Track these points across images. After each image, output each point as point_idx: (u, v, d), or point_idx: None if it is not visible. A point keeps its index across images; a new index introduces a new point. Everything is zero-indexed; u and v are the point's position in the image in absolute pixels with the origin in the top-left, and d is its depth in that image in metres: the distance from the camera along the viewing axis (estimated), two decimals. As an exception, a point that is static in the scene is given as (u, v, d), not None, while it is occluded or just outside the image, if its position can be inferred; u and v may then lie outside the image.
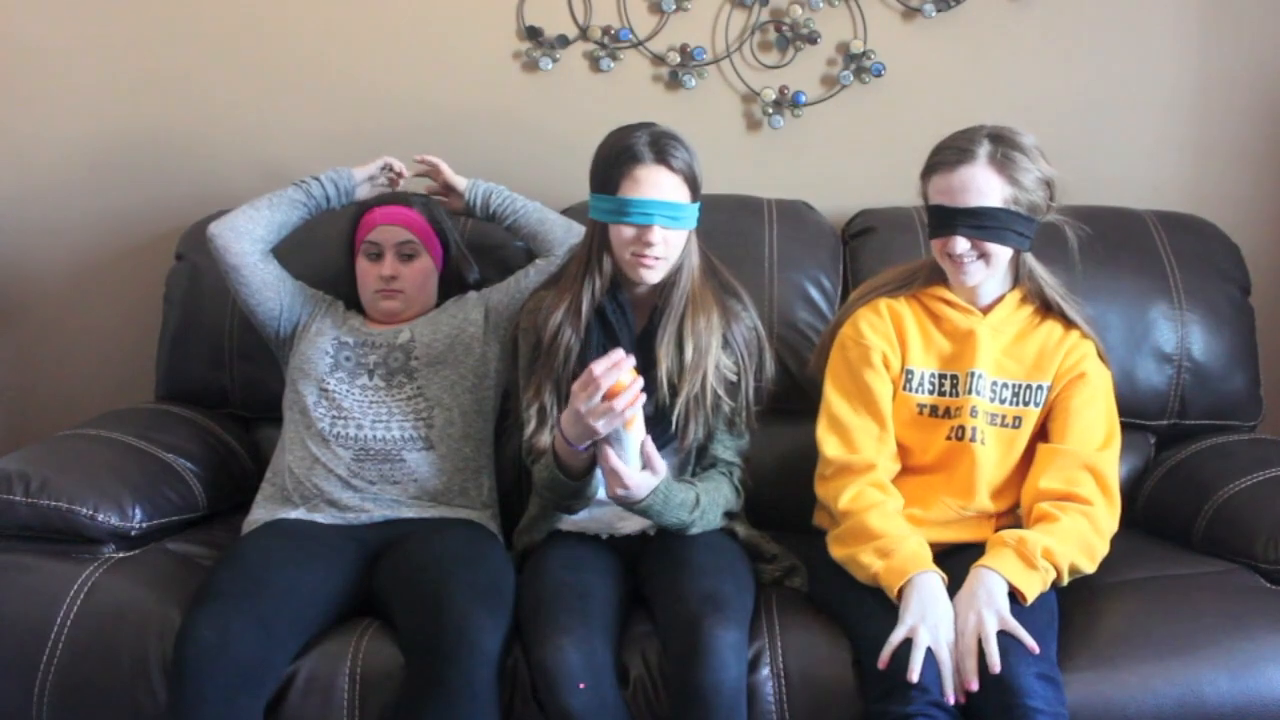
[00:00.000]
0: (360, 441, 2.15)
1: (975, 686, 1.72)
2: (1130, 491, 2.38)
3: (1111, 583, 1.98)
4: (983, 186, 1.92)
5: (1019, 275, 2.03)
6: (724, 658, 1.77)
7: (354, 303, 2.35)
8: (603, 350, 1.99)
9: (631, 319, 2.07)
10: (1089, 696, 1.81)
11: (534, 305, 2.12)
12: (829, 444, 2.01)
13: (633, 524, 2.08)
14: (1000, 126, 1.97)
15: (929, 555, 1.86)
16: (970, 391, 1.99)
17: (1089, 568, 1.89)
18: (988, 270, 1.97)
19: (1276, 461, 2.20)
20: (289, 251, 2.34)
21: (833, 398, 2.04)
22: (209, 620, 1.82)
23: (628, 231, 1.98)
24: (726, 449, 2.11)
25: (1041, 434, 2.02)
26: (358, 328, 2.29)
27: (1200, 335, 2.40)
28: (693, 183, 2.00)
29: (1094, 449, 1.96)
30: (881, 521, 1.90)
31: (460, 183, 2.39)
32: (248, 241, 2.26)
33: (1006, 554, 1.83)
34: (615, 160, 1.98)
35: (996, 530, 1.95)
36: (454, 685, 1.79)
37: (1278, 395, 2.60)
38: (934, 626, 1.76)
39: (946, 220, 1.94)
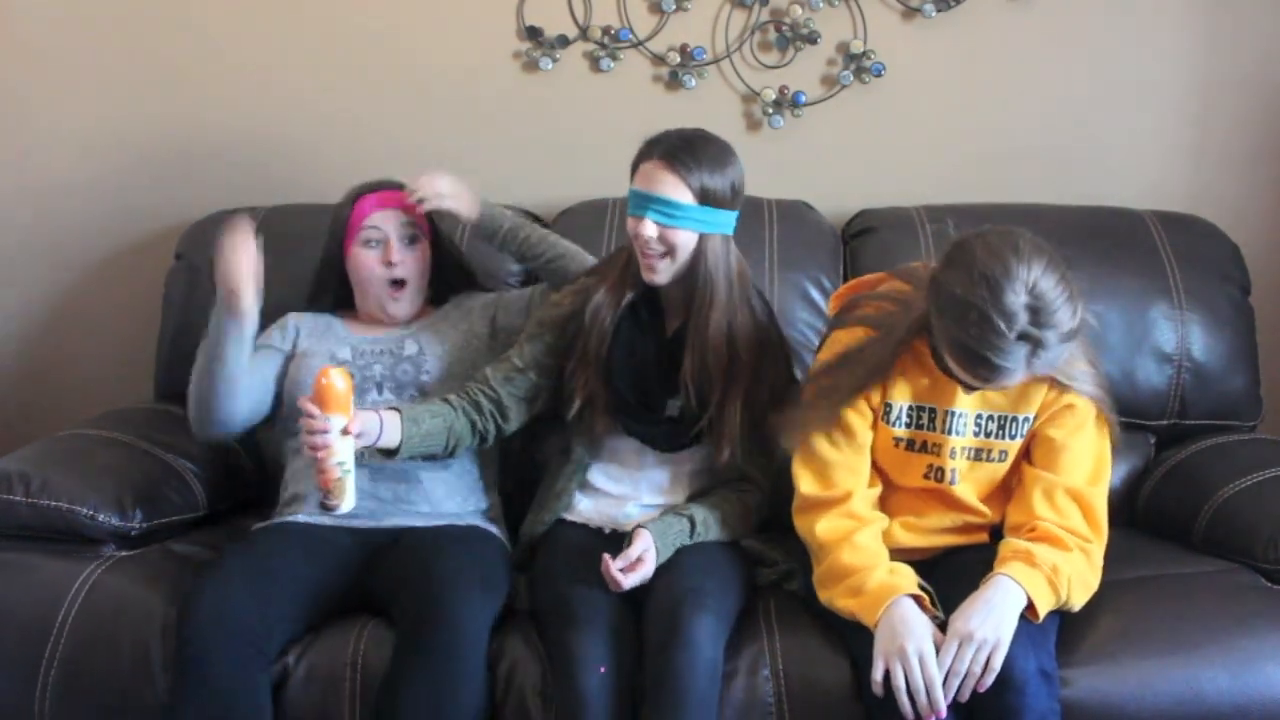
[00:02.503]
0: (372, 473, 2.09)
1: (965, 697, 1.72)
2: (1130, 491, 2.39)
3: (1111, 582, 1.97)
4: (1022, 384, 1.83)
5: None
6: (699, 641, 1.79)
7: (340, 302, 2.27)
8: (630, 348, 2.06)
9: (661, 318, 2.11)
10: (1089, 695, 1.81)
11: (572, 286, 2.16)
12: (804, 480, 1.94)
13: (635, 521, 2.09)
14: (1032, 315, 1.66)
15: (901, 579, 1.82)
16: (949, 431, 1.93)
17: (1080, 605, 1.86)
18: None
19: (1276, 461, 2.20)
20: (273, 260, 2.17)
21: (816, 441, 1.95)
22: (212, 588, 1.87)
23: (630, 223, 2.03)
24: (747, 467, 2.13)
25: (1027, 459, 1.95)
26: (347, 337, 2.22)
27: (1200, 335, 2.40)
28: (701, 191, 1.98)
29: (1084, 482, 1.89)
30: (851, 555, 1.85)
31: (474, 212, 2.25)
32: (222, 414, 2.11)
33: (1038, 577, 1.79)
34: (638, 155, 2.05)
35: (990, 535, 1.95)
36: (441, 651, 1.80)
37: (1278, 395, 2.60)
38: (906, 654, 1.73)
39: (967, 382, 1.81)
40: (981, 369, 1.71)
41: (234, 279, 1.99)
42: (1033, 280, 1.66)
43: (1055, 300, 1.67)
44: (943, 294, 1.72)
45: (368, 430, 1.96)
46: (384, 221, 2.21)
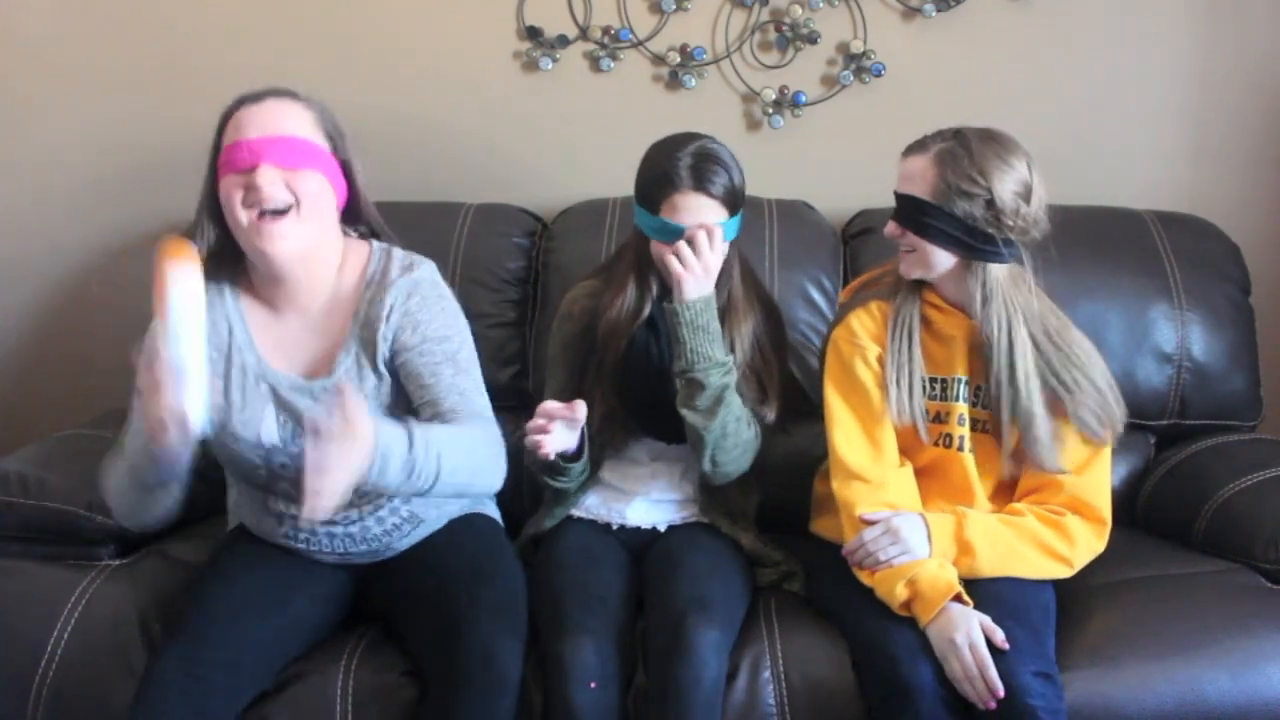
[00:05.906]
0: (345, 542, 1.93)
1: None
2: (1130, 491, 2.39)
3: (1111, 582, 1.98)
4: (916, 175, 1.90)
5: (986, 289, 1.91)
6: (704, 655, 1.78)
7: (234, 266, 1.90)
8: (646, 352, 2.03)
9: None
10: (1089, 696, 1.81)
11: (580, 293, 2.12)
12: (844, 449, 1.96)
13: (642, 517, 2.11)
14: (981, 129, 1.92)
15: (949, 573, 1.83)
16: (956, 398, 1.97)
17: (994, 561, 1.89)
18: (922, 267, 1.94)
19: (1276, 461, 2.21)
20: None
21: (835, 405, 1.99)
22: (178, 657, 1.75)
23: (657, 248, 1.99)
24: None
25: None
26: (272, 380, 1.89)
27: (1200, 335, 2.40)
28: (732, 201, 1.99)
29: (1076, 473, 1.93)
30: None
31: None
32: (161, 512, 1.85)
33: (933, 576, 1.82)
34: (657, 183, 1.98)
35: None
36: (480, 711, 1.73)
37: (1278, 395, 2.60)
38: (957, 645, 1.74)
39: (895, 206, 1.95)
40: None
41: (160, 418, 1.59)
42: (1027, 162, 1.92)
43: (976, 144, 1.90)
44: None
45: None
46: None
